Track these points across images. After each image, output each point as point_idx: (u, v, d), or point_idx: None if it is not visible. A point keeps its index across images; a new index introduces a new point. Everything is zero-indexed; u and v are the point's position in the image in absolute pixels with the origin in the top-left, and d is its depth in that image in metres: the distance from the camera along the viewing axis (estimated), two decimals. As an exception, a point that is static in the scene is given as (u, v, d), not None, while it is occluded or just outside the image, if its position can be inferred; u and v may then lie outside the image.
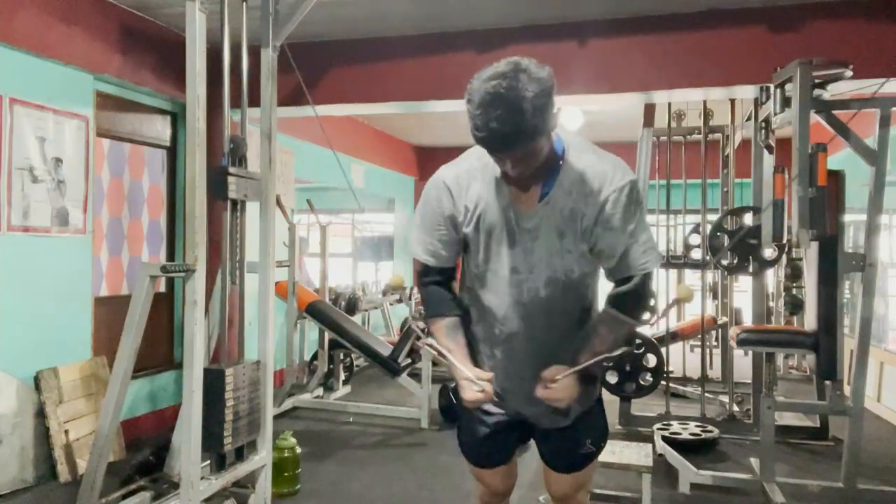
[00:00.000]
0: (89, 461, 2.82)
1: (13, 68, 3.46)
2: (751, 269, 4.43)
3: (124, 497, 3.06)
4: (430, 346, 1.75)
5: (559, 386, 1.60)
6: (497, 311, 1.71)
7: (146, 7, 4.06)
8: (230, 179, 2.78)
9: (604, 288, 1.76)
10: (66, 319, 3.81)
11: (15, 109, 3.47)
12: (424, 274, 1.78)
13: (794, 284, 5.52)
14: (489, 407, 1.82)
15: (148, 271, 2.64)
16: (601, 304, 1.76)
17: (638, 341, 4.42)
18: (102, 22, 3.90)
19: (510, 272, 1.66)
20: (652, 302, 4.99)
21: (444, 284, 1.77)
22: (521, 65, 1.41)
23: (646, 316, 4.85)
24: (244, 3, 3.00)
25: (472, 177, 1.66)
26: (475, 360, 1.76)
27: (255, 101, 3.01)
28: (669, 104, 4.99)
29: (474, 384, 1.63)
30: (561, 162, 1.60)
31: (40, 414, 3.56)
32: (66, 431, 3.60)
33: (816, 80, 3.20)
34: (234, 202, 2.88)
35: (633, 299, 1.67)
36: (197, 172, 2.60)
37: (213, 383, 2.71)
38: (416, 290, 8.45)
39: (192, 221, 2.60)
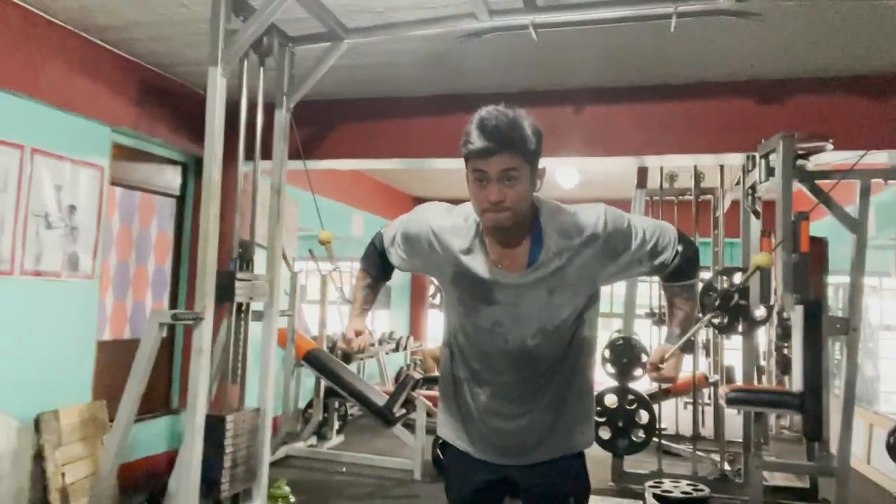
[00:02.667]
0: (90, 502, 2.86)
1: (36, 120, 3.62)
2: (741, 329, 4.54)
3: (120, 542, 3.08)
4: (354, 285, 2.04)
5: (668, 365, 1.72)
6: (481, 358, 1.77)
7: (164, 65, 4.28)
8: (237, 284, 2.93)
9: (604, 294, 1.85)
10: (69, 362, 3.88)
11: (35, 159, 3.62)
12: (377, 243, 1.98)
13: (786, 344, 5.62)
14: (474, 466, 1.87)
15: (159, 318, 2.74)
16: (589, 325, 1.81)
17: (630, 397, 4.49)
18: (122, 77, 4.10)
19: (492, 325, 1.72)
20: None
21: (385, 260, 1.98)
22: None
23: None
24: (261, 68, 3.19)
25: (457, 234, 1.72)
26: (458, 397, 1.86)
27: (264, 153, 3.18)
28: (661, 168, 5.19)
29: (348, 334, 1.95)
30: (541, 230, 1.67)
31: (38, 456, 3.58)
32: (63, 474, 3.62)
33: (800, 152, 3.40)
34: (240, 304, 3.04)
35: (686, 267, 1.76)
36: (210, 225, 2.74)
37: (214, 429, 2.79)
38: (410, 339, 8.51)
39: (202, 272, 2.72)
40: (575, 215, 1.69)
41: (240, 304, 3.01)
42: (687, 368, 5.49)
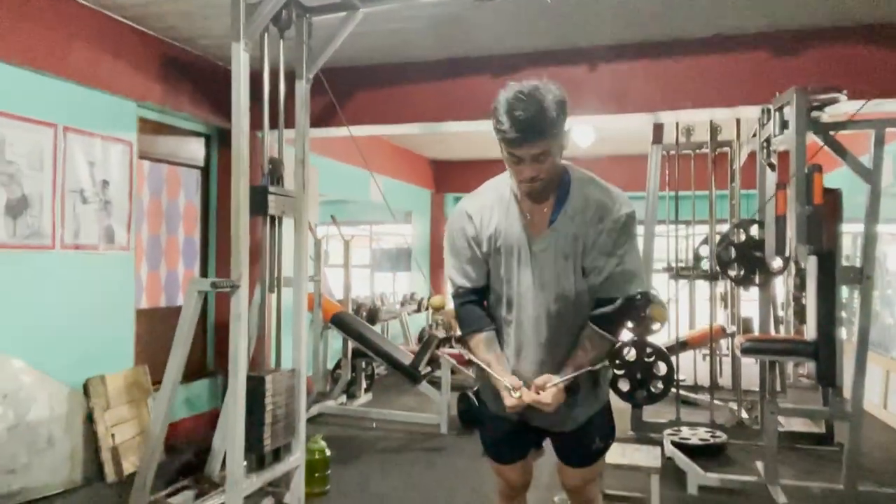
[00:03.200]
0: (141, 460, 3.08)
1: (67, 99, 3.75)
2: (757, 280, 4.61)
3: (170, 495, 3.31)
4: (471, 361, 1.94)
5: (547, 393, 1.79)
6: (513, 323, 1.92)
7: (185, 38, 4.36)
8: (270, 197, 3.05)
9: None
10: (112, 330, 4.09)
11: (68, 137, 3.76)
12: (459, 295, 1.99)
13: (803, 294, 5.67)
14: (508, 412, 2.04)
15: (198, 286, 2.89)
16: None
17: (648, 350, 4.62)
18: (145, 53, 4.19)
19: (525, 290, 1.88)
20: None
21: (477, 303, 1.97)
22: (541, 81, 1.69)
23: (624, 334, 5.01)
24: (281, 40, 3.26)
25: (491, 208, 1.90)
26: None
27: (287, 122, 3.29)
28: (677, 122, 5.20)
29: (513, 392, 1.81)
30: (568, 190, 1.83)
31: (89, 419, 3.82)
32: (113, 435, 3.87)
33: (814, 104, 3.42)
34: (273, 218, 3.15)
35: (614, 319, 1.87)
36: (241, 195, 2.86)
37: (255, 389, 2.96)
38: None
39: (236, 240, 2.86)
40: (603, 192, 1.83)
41: (272, 218, 3.15)
42: (704, 321, 5.59)
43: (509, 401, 1.81)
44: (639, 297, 1.86)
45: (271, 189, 3.08)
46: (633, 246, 1.86)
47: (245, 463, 3.04)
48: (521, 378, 1.93)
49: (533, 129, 1.66)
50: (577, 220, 1.82)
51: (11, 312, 3.47)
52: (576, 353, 1.87)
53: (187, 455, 3.69)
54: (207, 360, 5.10)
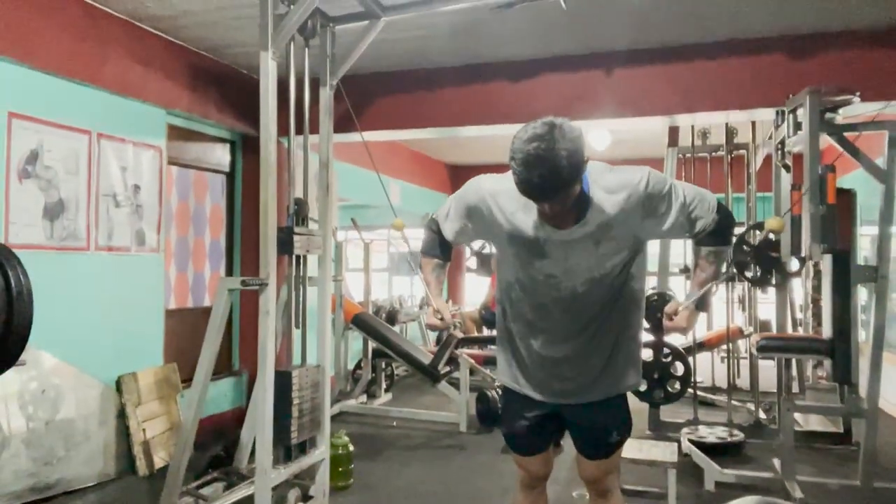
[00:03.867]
0: (174, 452, 3.20)
1: (101, 107, 3.91)
2: (774, 282, 4.65)
3: (200, 487, 3.43)
4: (420, 275, 2.23)
5: (680, 317, 1.91)
6: (536, 308, 1.99)
7: (212, 48, 4.51)
8: (295, 238, 3.18)
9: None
10: (143, 329, 4.24)
11: (102, 143, 3.92)
12: (433, 227, 2.17)
13: (821, 297, 5.68)
14: (528, 405, 2.12)
15: (228, 285, 3.02)
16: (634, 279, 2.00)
17: (666, 350, 4.67)
18: (174, 62, 4.35)
19: (546, 277, 1.94)
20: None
21: (443, 240, 2.16)
22: (556, 125, 1.67)
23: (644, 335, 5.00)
24: (306, 49, 3.39)
25: (510, 197, 1.90)
26: (513, 349, 2.09)
27: (311, 128, 3.42)
28: (693, 125, 5.26)
29: (437, 313, 2.07)
30: (589, 191, 1.87)
31: (121, 414, 3.96)
32: (144, 430, 4.01)
33: (828, 105, 3.47)
34: (298, 256, 3.29)
35: (719, 234, 1.93)
36: (269, 198, 2.99)
37: (283, 384, 3.07)
38: (449, 302, 8.80)
39: (265, 243, 2.98)
40: (620, 174, 1.89)
41: (297, 257, 3.28)
42: (721, 322, 5.62)
43: (430, 319, 2.06)
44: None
45: (296, 230, 3.21)
46: (678, 186, 1.90)
47: (272, 456, 3.16)
48: (545, 363, 2.02)
49: (546, 192, 1.71)
50: (607, 208, 1.84)
51: (48, 311, 3.58)
52: (697, 274, 1.96)
53: (215, 449, 3.81)
54: (233, 360, 5.24)
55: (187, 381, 4.07)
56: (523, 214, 1.92)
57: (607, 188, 1.86)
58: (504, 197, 1.94)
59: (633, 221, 1.87)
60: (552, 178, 1.66)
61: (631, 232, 1.89)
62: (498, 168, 2.02)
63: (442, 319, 2.07)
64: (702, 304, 1.97)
